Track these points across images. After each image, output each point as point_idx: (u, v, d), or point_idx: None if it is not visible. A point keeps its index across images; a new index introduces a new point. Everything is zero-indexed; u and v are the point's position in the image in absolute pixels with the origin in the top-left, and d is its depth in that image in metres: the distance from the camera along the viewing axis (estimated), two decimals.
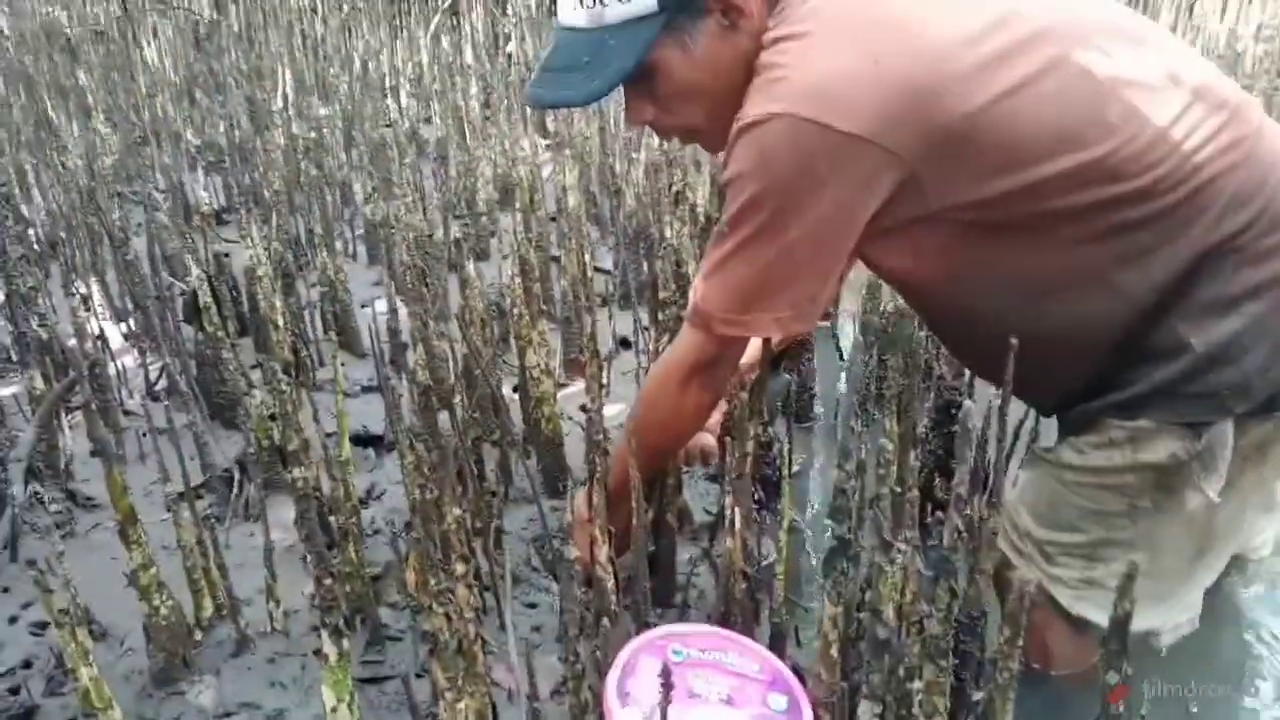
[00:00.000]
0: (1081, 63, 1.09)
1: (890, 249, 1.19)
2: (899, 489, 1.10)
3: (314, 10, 5.30)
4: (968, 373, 1.70)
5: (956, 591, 1.09)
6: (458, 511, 0.86)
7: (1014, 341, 1.02)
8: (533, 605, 1.46)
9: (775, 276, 1.15)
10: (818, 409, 2.10)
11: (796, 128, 1.07)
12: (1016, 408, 1.57)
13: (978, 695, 1.19)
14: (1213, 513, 1.20)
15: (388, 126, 3.87)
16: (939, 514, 1.58)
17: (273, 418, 1.68)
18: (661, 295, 1.67)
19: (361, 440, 1.89)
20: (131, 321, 2.26)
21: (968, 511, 1.12)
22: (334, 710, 1.06)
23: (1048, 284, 1.15)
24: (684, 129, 1.29)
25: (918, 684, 0.91)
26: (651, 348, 1.80)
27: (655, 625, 1.22)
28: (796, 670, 1.17)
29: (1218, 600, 1.40)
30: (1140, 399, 1.15)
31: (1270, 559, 1.54)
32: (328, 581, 1.10)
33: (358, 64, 4.46)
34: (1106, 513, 1.22)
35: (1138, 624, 1.26)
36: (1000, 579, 1.35)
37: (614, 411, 1.99)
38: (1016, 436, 1.54)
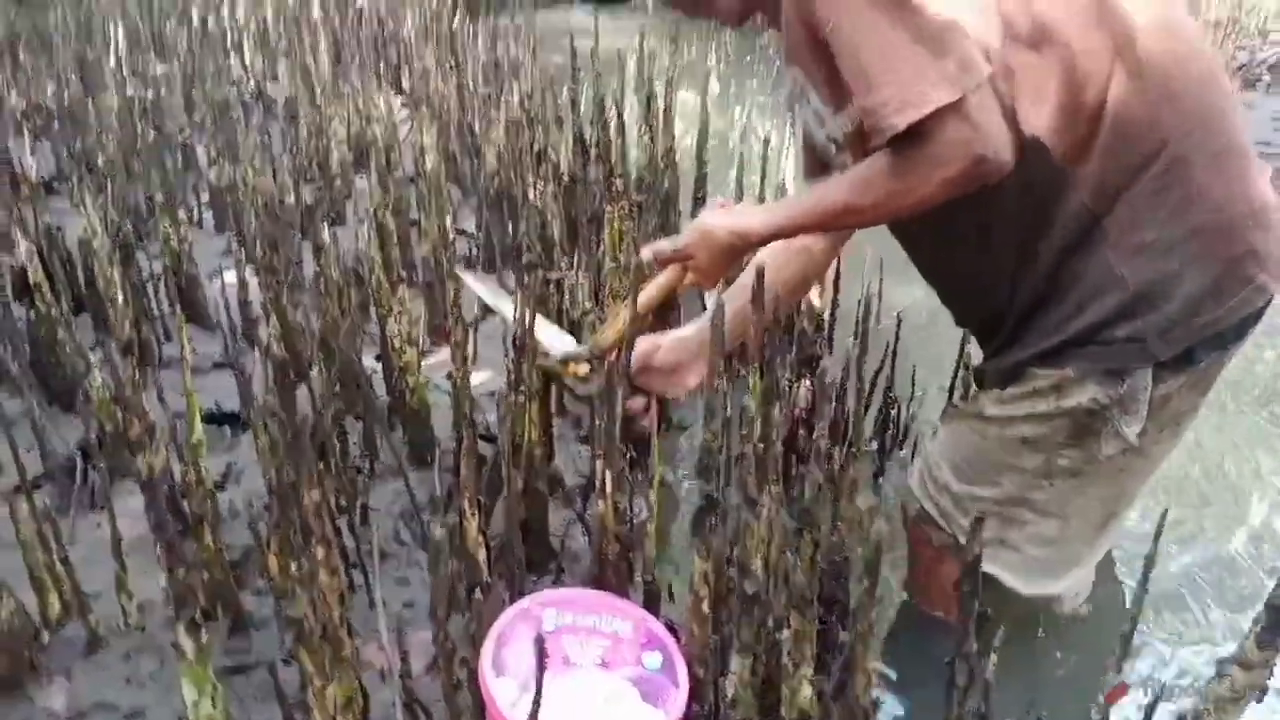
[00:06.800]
0: None
1: None
2: (762, 445, 1.12)
3: None
4: (826, 327, 1.75)
5: (819, 541, 1.12)
6: (317, 496, 0.83)
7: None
8: (404, 581, 1.43)
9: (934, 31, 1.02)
10: None
11: None
12: (873, 357, 1.63)
13: (845, 636, 1.23)
14: (1124, 477, 1.24)
15: (231, 85, 3.68)
16: (803, 467, 1.63)
17: (115, 400, 1.59)
18: (526, 258, 1.64)
19: (216, 419, 1.81)
20: None
21: (828, 466, 1.15)
22: (196, 704, 1.02)
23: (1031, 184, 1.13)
24: None
25: (786, 634, 0.93)
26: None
27: (531, 592, 1.22)
28: (671, 627, 1.18)
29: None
30: (1066, 346, 1.17)
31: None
32: (181, 572, 1.05)
33: (196, 18, 4.22)
34: (1024, 469, 1.25)
35: (1046, 590, 1.32)
36: (917, 534, 1.39)
37: (481, 379, 1.96)
38: (873, 386, 1.58)
